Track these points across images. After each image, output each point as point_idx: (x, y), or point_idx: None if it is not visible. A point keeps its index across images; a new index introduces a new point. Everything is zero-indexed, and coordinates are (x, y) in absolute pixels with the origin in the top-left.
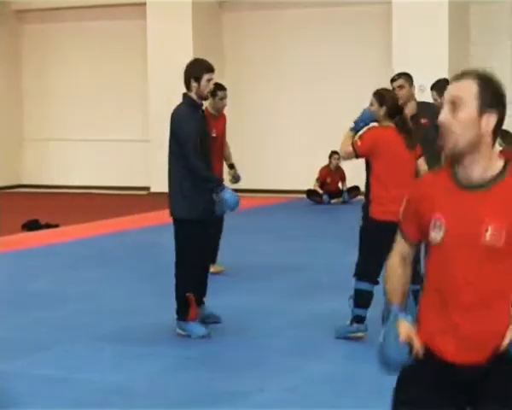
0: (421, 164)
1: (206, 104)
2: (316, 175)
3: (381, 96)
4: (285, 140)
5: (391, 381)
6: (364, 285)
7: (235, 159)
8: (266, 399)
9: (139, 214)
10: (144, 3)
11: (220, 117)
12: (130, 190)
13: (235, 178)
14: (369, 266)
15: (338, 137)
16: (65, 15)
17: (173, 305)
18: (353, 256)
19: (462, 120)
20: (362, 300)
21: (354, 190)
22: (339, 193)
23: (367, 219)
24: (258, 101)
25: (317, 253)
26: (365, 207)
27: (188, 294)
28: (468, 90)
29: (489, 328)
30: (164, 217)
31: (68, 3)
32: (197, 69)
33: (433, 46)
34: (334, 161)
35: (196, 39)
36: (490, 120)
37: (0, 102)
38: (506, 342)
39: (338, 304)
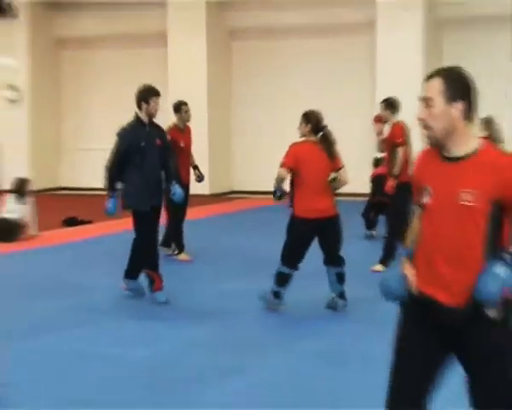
0: (343, 174)
1: (176, 121)
2: None
3: (306, 116)
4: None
5: (378, 351)
6: (285, 268)
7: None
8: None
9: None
10: (166, 34)
11: (186, 130)
12: None
13: (200, 177)
14: (292, 253)
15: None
16: (98, 43)
17: (194, 290)
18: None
19: (434, 114)
20: (282, 280)
21: None
22: None
23: (292, 217)
24: (259, 113)
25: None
26: (291, 207)
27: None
28: (434, 89)
29: (463, 275)
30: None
31: (101, 33)
32: (147, 93)
33: (409, 71)
34: None
35: (210, 63)
36: (458, 109)
37: (43, 117)
38: (477, 286)
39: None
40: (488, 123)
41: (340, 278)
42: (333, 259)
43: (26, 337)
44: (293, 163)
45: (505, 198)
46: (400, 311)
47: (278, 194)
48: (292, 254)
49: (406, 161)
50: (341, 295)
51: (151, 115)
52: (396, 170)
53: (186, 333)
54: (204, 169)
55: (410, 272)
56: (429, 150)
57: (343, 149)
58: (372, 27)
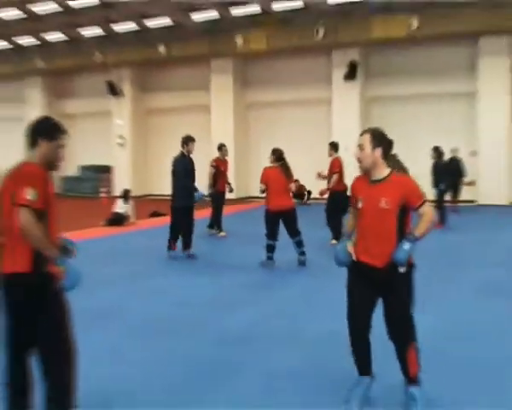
0: (292, 187)
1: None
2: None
3: (273, 151)
4: None
5: (335, 295)
6: (269, 241)
7: None
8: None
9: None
10: (210, 107)
11: (225, 161)
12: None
13: (230, 189)
14: (270, 232)
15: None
16: (171, 112)
17: (227, 251)
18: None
19: (365, 155)
20: (270, 248)
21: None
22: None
23: (266, 211)
24: (266, 151)
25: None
26: (266, 205)
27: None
28: (365, 140)
29: (384, 249)
30: (242, 207)
31: (172, 105)
32: (187, 139)
33: (350, 127)
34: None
35: (236, 124)
36: (378, 152)
37: (138, 154)
38: (392, 255)
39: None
40: (392, 157)
41: (299, 243)
42: (292, 233)
43: (152, 277)
44: (266, 180)
45: (406, 203)
46: (348, 271)
47: (261, 191)
48: (270, 232)
49: (340, 180)
50: (302, 254)
51: (189, 152)
52: (330, 185)
53: (227, 277)
54: (233, 183)
55: (351, 248)
56: (361, 176)
57: (307, 170)
58: (330, 102)
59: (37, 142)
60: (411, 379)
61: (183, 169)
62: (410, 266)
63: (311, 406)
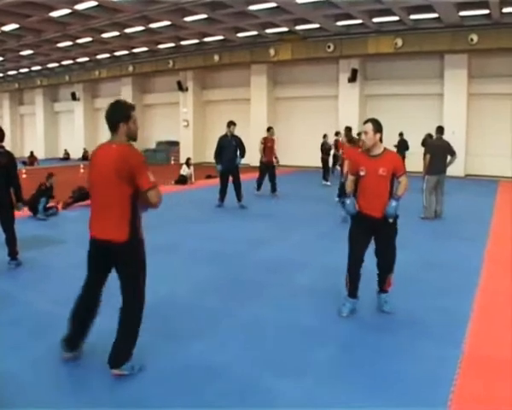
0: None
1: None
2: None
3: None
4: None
5: (337, 242)
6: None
7: None
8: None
9: None
10: (249, 99)
11: (271, 138)
12: None
13: (277, 160)
14: (259, 183)
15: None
16: (220, 103)
17: (265, 203)
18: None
19: (369, 137)
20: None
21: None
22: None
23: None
24: (291, 130)
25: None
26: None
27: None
28: (369, 127)
29: (381, 204)
30: None
31: (222, 98)
32: (230, 123)
33: (353, 117)
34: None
35: (268, 113)
36: (378, 136)
37: (197, 132)
38: (385, 210)
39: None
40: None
41: (273, 188)
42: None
43: (205, 221)
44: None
45: (394, 172)
46: (352, 220)
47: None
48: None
49: (342, 154)
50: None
51: (231, 132)
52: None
53: (258, 220)
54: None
55: (355, 203)
56: (361, 152)
57: (317, 148)
58: (337, 98)
59: (118, 124)
60: (385, 290)
61: (228, 144)
62: (396, 216)
63: (320, 312)
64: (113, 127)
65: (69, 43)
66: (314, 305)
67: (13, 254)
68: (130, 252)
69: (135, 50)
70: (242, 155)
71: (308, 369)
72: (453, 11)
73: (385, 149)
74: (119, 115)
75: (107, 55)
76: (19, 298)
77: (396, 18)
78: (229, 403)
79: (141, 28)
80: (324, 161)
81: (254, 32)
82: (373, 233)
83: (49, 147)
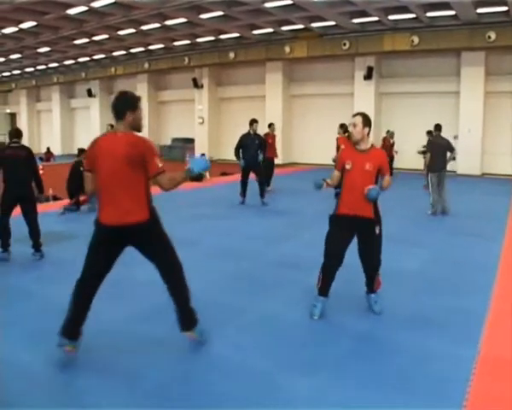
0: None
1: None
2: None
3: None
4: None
5: (316, 235)
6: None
7: None
8: None
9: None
10: (265, 96)
11: (273, 135)
12: None
13: (277, 157)
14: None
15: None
16: (234, 101)
17: (276, 200)
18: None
19: (357, 130)
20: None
21: None
22: None
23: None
24: (304, 125)
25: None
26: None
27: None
28: (358, 120)
29: (359, 201)
30: None
31: (236, 95)
32: (252, 121)
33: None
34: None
35: (284, 109)
36: (366, 130)
37: (212, 129)
38: (365, 192)
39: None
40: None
41: (261, 186)
42: (267, 181)
43: (222, 218)
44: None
45: (380, 168)
46: (330, 220)
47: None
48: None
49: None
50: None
51: (253, 130)
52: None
53: (272, 217)
54: (280, 152)
55: (324, 184)
56: (350, 145)
57: (332, 145)
58: (352, 95)
59: (126, 112)
60: (374, 291)
61: (250, 143)
62: (379, 221)
63: (334, 309)
64: (120, 114)
65: (85, 40)
66: (328, 302)
67: (37, 246)
68: (155, 225)
69: (151, 47)
70: (264, 154)
71: (322, 366)
72: (470, 8)
73: (372, 145)
74: (128, 104)
75: (123, 52)
76: (39, 292)
77: (412, 15)
78: (243, 399)
79: (157, 25)
80: None
81: (270, 30)
82: (355, 234)
83: (66, 143)
